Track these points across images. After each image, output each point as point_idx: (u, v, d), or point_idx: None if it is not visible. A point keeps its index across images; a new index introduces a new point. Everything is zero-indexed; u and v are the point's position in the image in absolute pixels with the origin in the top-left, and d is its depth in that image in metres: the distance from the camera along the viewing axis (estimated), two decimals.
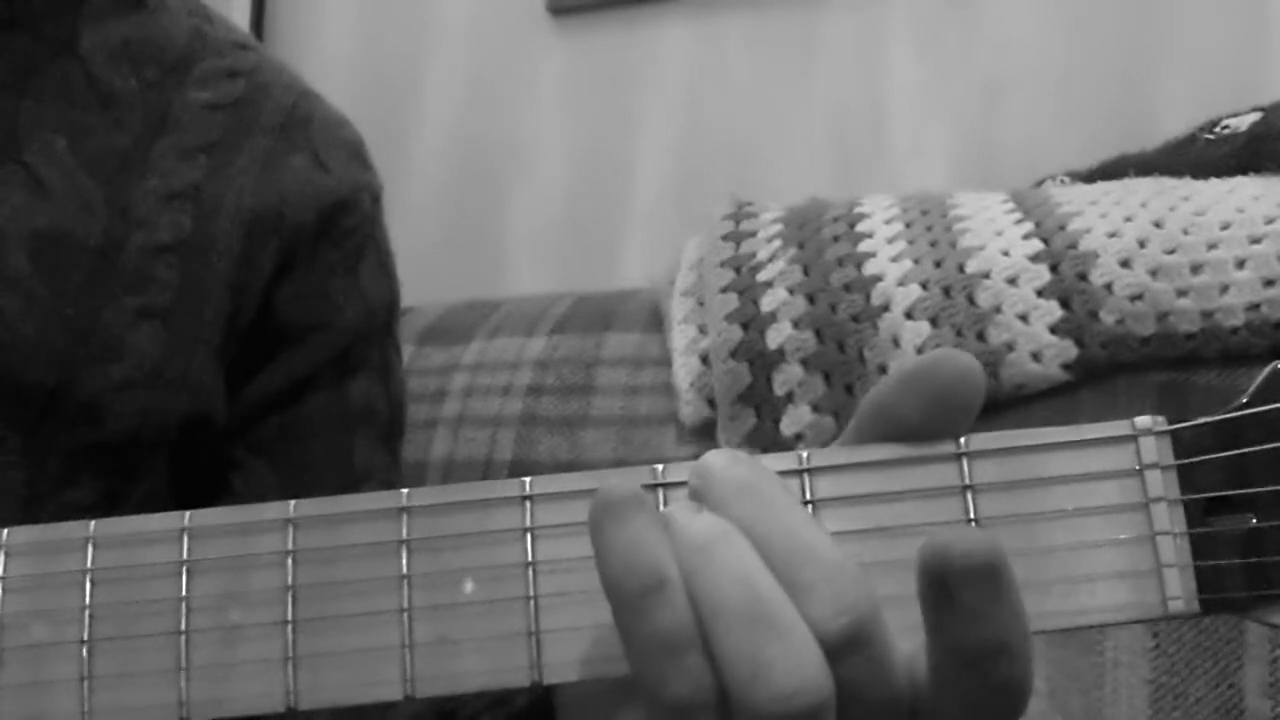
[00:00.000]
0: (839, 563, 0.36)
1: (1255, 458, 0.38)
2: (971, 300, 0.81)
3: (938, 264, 0.83)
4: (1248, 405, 0.38)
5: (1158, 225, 0.80)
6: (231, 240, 0.68)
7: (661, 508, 0.40)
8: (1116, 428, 0.40)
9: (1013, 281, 0.80)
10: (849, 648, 0.36)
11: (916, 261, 0.84)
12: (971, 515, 0.40)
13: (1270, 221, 0.77)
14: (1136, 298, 0.78)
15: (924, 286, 0.82)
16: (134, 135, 0.67)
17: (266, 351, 0.70)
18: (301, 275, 0.71)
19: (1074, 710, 0.74)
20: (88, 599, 0.42)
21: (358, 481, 0.72)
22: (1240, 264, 0.76)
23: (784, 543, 0.37)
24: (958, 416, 0.40)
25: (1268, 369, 0.38)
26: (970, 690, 0.36)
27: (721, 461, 0.38)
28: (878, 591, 0.37)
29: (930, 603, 0.35)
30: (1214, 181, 0.84)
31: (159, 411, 0.65)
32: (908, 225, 0.88)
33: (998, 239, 0.83)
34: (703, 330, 0.89)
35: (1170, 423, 0.39)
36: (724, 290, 0.88)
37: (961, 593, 0.34)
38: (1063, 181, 0.97)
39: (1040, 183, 1.00)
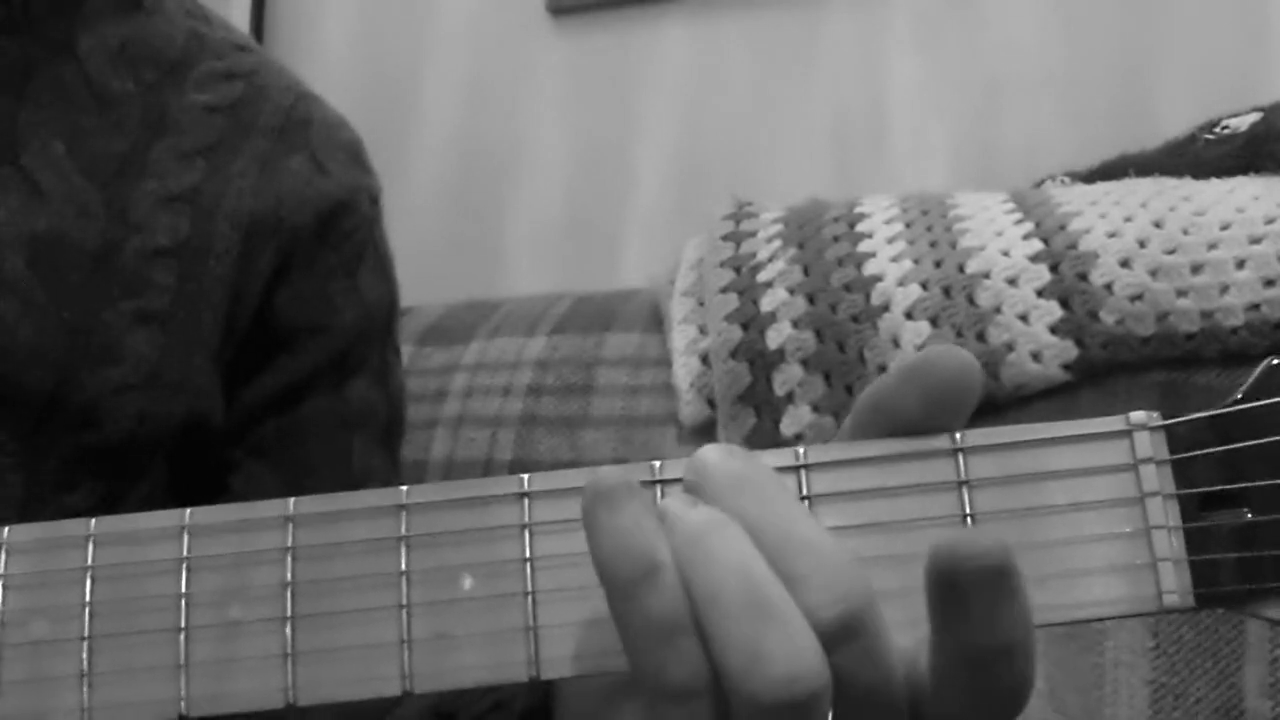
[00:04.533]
0: (833, 552, 0.37)
1: (1250, 452, 0.38)
2: (971, 300, 0.81)
3: (938, 264, 0.83)
4: (1242, 400, 0.38)
5: (1158, 225, 0.80)
6: (230, 243, 0.68)
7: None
8: (1111, 423, 0.40)
9: (1013, 281, 0.80)
10: (844, 636, 0.36)
11: (916, 261, 0.84)
12: (968, 510, 0.40)
13: (1270, 221, 0.77)
14: (1136, 298, 0.78)
15: (924, 286, 0.82)
16: (132, 138, 0.67)
17: (265, 354, 0.70)
18: (300, 278, 0.71)
19: (1074, 710, 0.74)
20: (88, 596, 0.42)
21: (357, 483, 0.72)
22: (1240, 264, 0.76)
23: (779, 533, 0.37)
24: (956, 410, 0.40)
25: (1263, 365, 0.38)
26: (974, 690, 0.36)
27: (716, 456, 0.39)
28: (875, 586, 0.37)
29: (938, 604, 0.35)
30: (1214, 181, 0.84)
31: (157, 414, 0.65)
32: (908, 225, 0.88)
33: (998, 239, 0.83)
34: (703, 330, 0.89)
35: (1165, 418, 0.40)
36: (724, 290, 0.88)
37: (972, 596, 0.34)
38: (1063, 181, 0.97)
39: (1040, 183, 1.00)
